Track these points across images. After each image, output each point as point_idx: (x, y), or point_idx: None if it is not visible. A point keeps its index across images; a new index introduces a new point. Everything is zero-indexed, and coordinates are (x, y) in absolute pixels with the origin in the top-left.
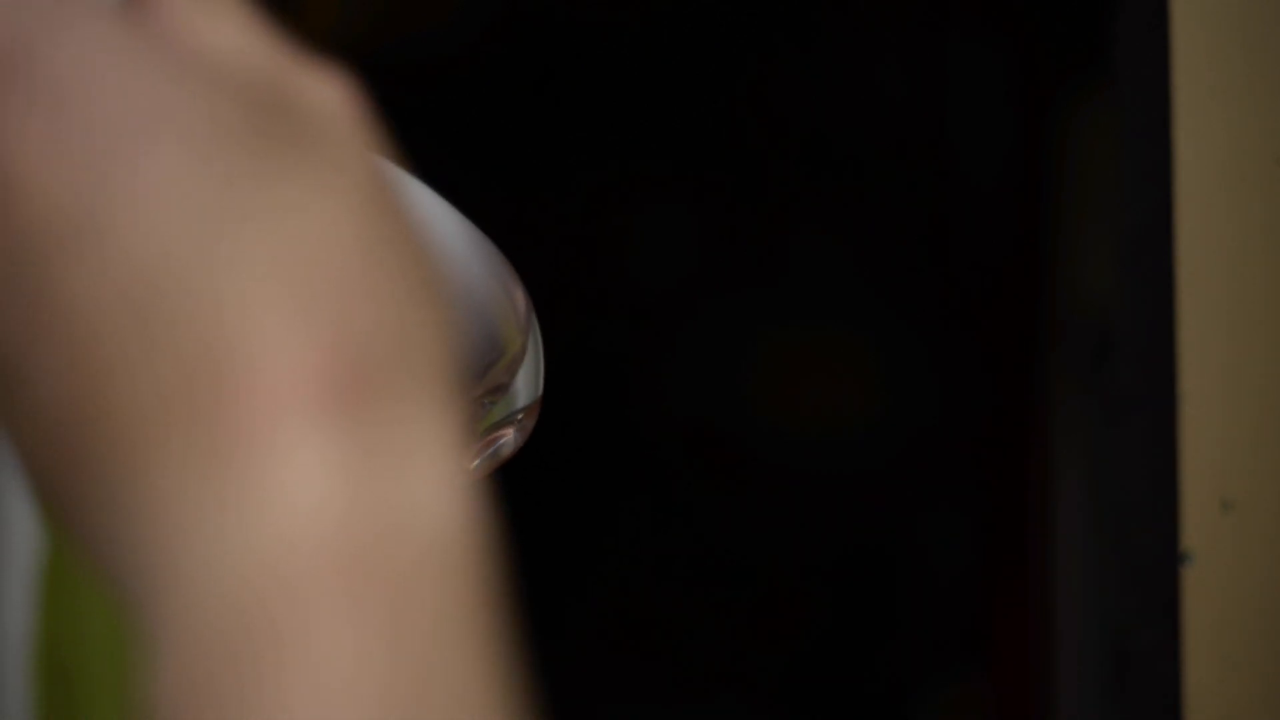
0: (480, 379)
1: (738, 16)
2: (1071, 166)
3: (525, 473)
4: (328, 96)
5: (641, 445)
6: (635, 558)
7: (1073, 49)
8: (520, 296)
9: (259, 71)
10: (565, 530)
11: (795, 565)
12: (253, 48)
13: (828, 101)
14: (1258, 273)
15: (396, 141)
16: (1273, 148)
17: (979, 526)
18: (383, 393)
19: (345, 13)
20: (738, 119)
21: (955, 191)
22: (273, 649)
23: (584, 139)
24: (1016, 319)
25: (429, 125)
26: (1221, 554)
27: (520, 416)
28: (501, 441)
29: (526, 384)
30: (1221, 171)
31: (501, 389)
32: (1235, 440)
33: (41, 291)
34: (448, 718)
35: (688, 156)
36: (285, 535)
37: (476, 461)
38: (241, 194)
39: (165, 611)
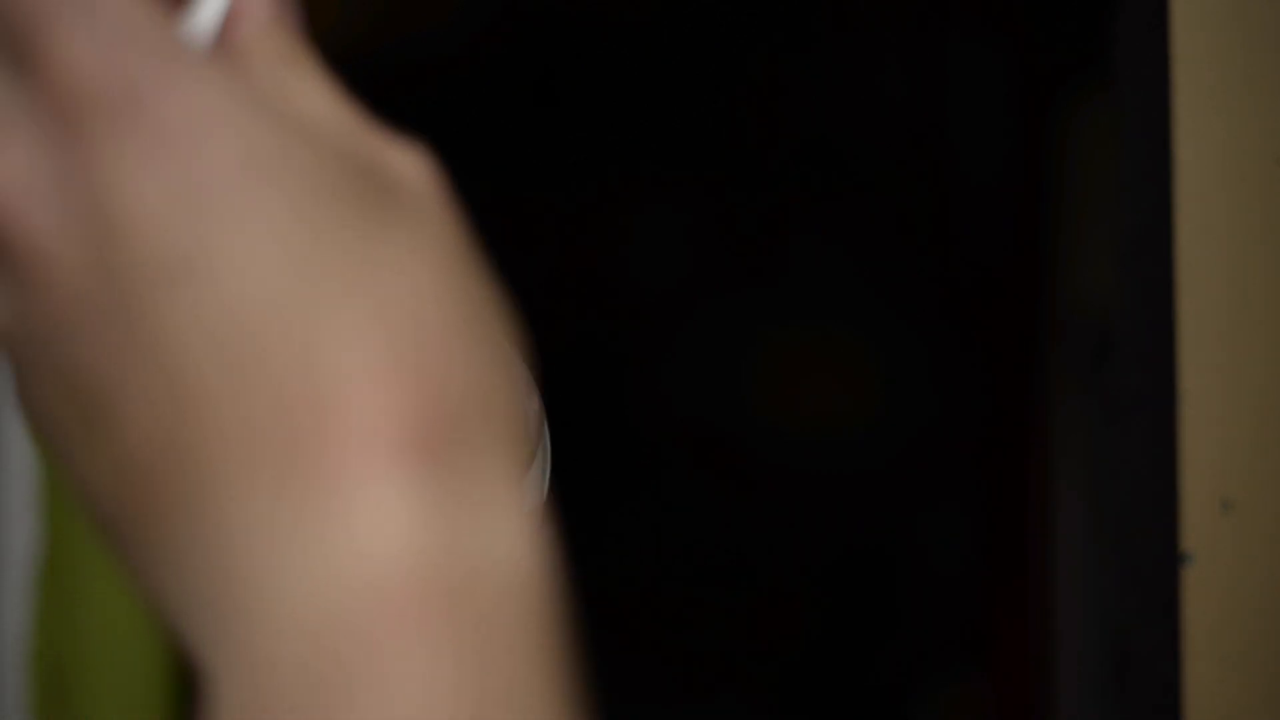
0: None
1: (738, 17)
2: (1071, 167)
3: None
4: (414, 168)
5: (641, 445)
6: (635, 558)
7: (1073, 49)
8: (535, 405)
9: (349, 136)
10: (564, 529)
11: (795, 565)
12: (339, 113)
13: (828, 102)
14: (1258, 273)
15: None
16: (1272, 148)
17: (979, 527)
18: (463, 444)
19: (345, 13)
20: (738, 119)
21: (955, 192)
22: (344, 696)
23: (584, 139)
24: (1016, 319)
25: (429, 125)
26: (1221, 554)
27: None
28: None
29: (530, 491)
30: (1221, 172)
31: None
32: (1235, 440)
33: (143, 325)
34: None
35: (688, 156)
36: (364, 576)
37: None
38: (341, 248)
39: (231, 653)
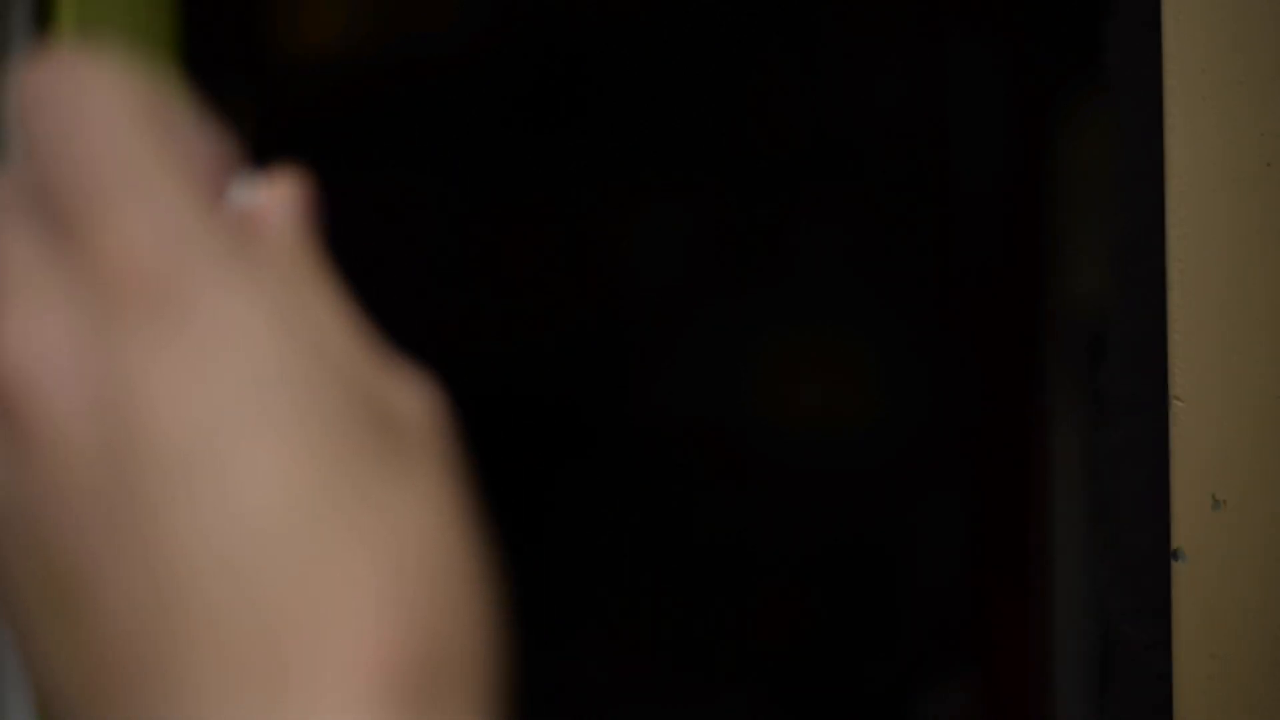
0: None
1: (739, 18)
2: (1070, 167)
3: (525, 471)
4: (420, 409)
5: (642, 444)
6: (636, 556)
7: (1070, 52)
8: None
9: (362, 368)
10: (565, 529)
11: (794, 565)
12: (354, 342)
13: (828, 102)
14: (1250, 274)
15: (400, 144)
16: (1264, 150)
17: (976, 525)
18: (437, 696)
19: (346, 13)
20: (739, 120)
21: (954, 192)
22: None
23: (585, 139)
24: (1014, 319)
25: (429, 125)
26: (1213, 551)
27: None
28: None
29: None
30: (1214, 174)
31: None
32: (1226, 439)
33: (142, 521)
34: None
35: (689, 157)
36: None
37: None
38: (349, 485)
39: None
